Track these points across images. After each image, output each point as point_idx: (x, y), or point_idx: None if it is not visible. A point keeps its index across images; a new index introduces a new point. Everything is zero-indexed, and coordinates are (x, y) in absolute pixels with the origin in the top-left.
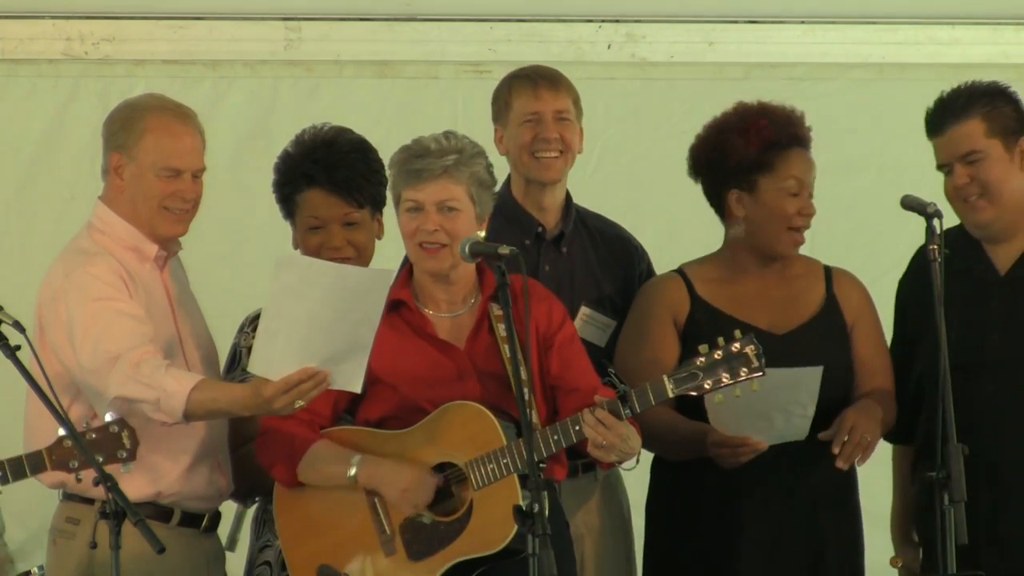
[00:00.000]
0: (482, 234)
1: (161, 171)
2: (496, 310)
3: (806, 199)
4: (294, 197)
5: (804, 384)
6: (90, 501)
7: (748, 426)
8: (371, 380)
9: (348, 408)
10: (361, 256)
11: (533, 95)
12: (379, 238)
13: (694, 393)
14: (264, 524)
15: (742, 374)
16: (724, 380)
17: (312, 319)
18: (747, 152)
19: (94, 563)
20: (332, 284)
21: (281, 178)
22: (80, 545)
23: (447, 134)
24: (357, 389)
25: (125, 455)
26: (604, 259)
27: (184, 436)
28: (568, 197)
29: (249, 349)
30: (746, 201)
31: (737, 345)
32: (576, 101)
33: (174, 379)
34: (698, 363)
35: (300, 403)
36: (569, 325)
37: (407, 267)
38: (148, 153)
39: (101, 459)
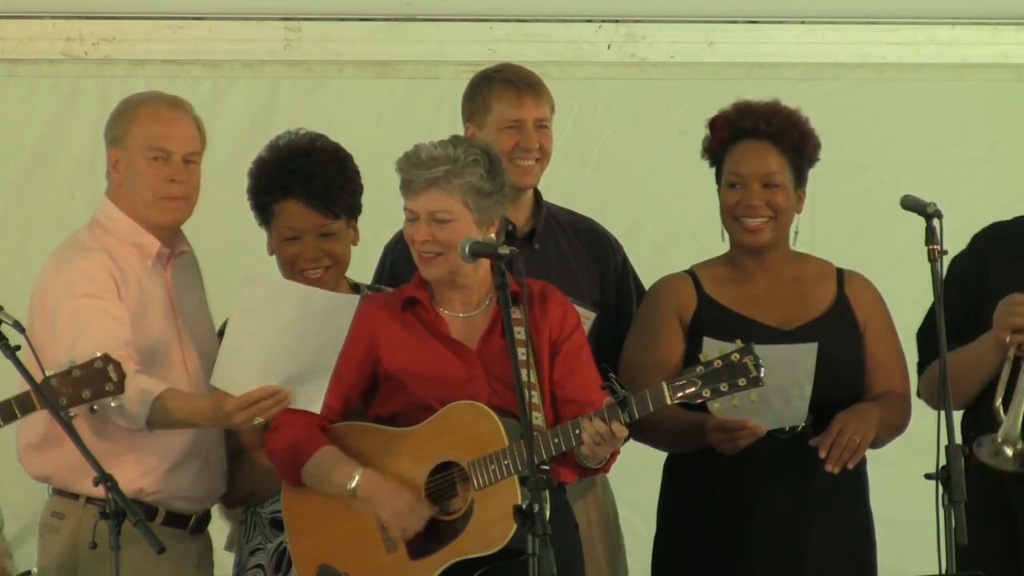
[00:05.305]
0: (493, 236)
1: (149, 152)
2: (513, 313)
3: (753, 191)
4: (271, 207)
5: (799, 362)
6: (74, 496)
7: (747, 409)
8: (384, 376)
9: (364, 401)
10: (338, 265)
11: (516, 102)
12: (354, 244)
13: (693, 402)
14: (254, 527)
15: (740, 384)
16: (722, 390)
17: (276, 339)
18: (709, 147)
19: (77, 558)
20: (298, 306)
21: (256, 186)
22: (63, 540)
23: (450, 140)
24: (317, 410)
25: (113, 388)
26: (578, 253)
27: (172, 434)
28: (537, 194)
29: None
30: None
31: (736, 355)
32: (552, 106)
33: (139, 386)
34: (697, 371)
35: (259, 420)
36: (580, 334)
37: None
38: (137, 139)
39: (89, 394)
